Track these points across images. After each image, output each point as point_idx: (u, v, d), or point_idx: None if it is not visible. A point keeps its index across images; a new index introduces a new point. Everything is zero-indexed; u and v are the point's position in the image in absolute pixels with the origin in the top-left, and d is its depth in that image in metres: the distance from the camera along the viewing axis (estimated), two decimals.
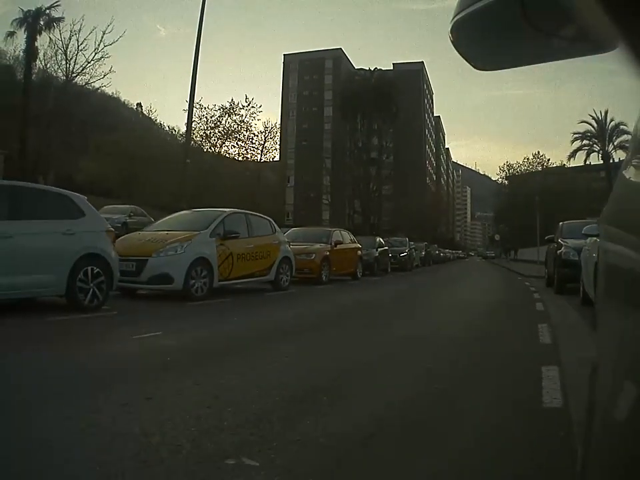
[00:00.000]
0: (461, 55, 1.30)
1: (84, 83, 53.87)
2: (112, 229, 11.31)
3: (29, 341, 7.16)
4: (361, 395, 4.97)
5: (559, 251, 16.47)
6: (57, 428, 3.79)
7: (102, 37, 52.55)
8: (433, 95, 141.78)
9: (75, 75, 53.03)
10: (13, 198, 9.48)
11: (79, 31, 52.25)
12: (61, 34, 52.50)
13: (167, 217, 16.12)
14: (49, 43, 52.86)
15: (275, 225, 16.88)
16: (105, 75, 53.47)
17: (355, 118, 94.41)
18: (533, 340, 8.18)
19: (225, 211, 14.97)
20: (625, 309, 1.09)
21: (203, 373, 5.57)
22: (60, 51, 52.45)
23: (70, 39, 52.20)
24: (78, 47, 52.26)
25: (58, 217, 9.92)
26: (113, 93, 65.97)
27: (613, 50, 0.77)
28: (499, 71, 1.39)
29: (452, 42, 1.27)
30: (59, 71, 53.28)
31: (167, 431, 3.74)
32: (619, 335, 1.13)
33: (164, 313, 10.75)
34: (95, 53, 52.38)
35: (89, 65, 52.76)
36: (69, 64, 52.77)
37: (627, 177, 1.40)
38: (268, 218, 17.01)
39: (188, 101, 27.81)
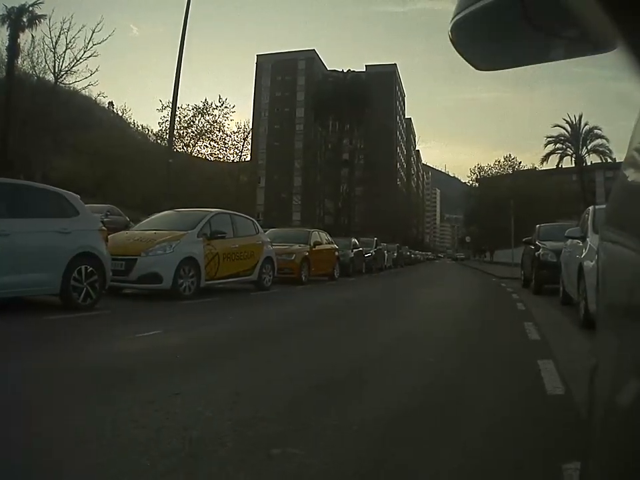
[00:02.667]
0: (461, 54, 1.31)
1: (73, 81, 53.46)
2: (104, 227, 11.32)
3: (37, 339, 7.23)
4: (379, 385, 5.33)
5: (537, 253, 16.95)
6: (95, 425, 3.84)
7: (91, 36, 52.26)
8: (405, 97, 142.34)
9: (62, 73, 52.60)
10: (11, 195, 9.47)
11: (68, 30, 51.62)
12: (50, 30, 51.98)
13: (153, 217, 16.23)
14: (32, 40, 52.38)
15: (259, 226, 17.15)
16: (92, 74, 53.02)
17: (327, 119, 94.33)
18: (522, 337, 8.59)
19: (211, 211, 15.21)
20: (627, 309, 1.10)
21: (218, 369, 5.80)
22: (47, 48, 51.81)
23: (52, 37, 51.74)
24: (66, 44, 51.87)
25: (53, 216, 9.95)
26: (95, 95, 65.39)
27: (613, 50, 0.80)
28: (499, 70, 1.40)
29: (452, 42, 1.27)
30: (44, 69, 52.75)
31: (205, 424, 3.85)
32: (620, 335, 1.15)
33: (157, 312, 10.87)
34: (84, 51, 51.90)
35: (77, 63, 52.37)
36: (56, 62, 52.39)
37: (627, 177, 1.40)
38: (252, 218, 17.36)
39: (171, 100, 27.94)
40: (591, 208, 11.53)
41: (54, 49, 51.99)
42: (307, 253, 20.58)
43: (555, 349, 7.31)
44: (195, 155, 65.34)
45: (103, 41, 52.54)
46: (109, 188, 52.60)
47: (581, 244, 10.62)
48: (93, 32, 52.10)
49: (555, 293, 14.16)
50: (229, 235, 14.89)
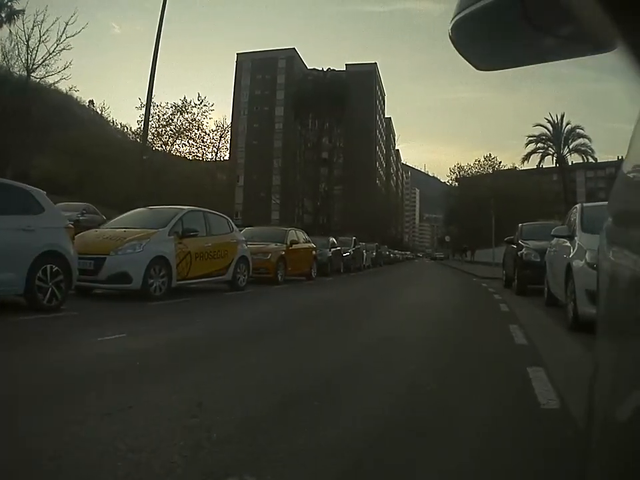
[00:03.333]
0: (461, 54, 1.29)
1: (44, 75, 52.65)
2: (71, 225, 11.02)
3: None
4: (354, 400, 4.83)
5: (519, 252, 16.69)
6: (32, 442, 3.46)
7: (64, 28, 51.39)
8: (385, 97, 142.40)
9: (35, 67, 51.82)
10: None
11: (42, 22, 50.99)
12: (23, 23, 51.19)
13: (124, 214, 15.85)
14: (9, 35, 51.60)
15: (233, 224, 16.78)
16: (65, 67, 52.17)
17: (307, 118, 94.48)
18: (508, 341, 8.16)
19: (184, 209, 14.80)
20: (630, 311, 1.08)
21: (179, 377, 5.35)
22: (21, 42, 51.10)
23: (25, 30, 51.02)
24: (40, 37, 51.09)
25: (17, 212, 9.56)
26: (66, 90, 64.70)
27: (613, 50, 0.79)
28: (499, 70, 1.38)
29: (452, 42, 1.26)
30: (17, 64, 52.02)
31: (157, 445, 3.48)
32: (624, 343, 1.12)
33: (125, 313, 10.46)
34: (57, 44, 50.96)
35: (50, 56, 51.47)
36: (30, 55, 51.61)
37: (628, 175, 1.38)
38: (226, 216, 16.89)
39: (146, 96, 27.57)
40: (578, 205, 11.16)
41: (27, 42, 51.27)
42: (284, 252, 20.28)
43: (544, 355, 6.88)
44: (174, 153, 64.76)
45: (76, 33, 51.76)
46: (89, 186, 52.38)
47: (567, 243, 10.23)
48: (67, 24, 51.13)
49: (538, 293, 13.91)
50: (201, 233, 14.53)
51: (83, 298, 11.91)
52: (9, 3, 52.10)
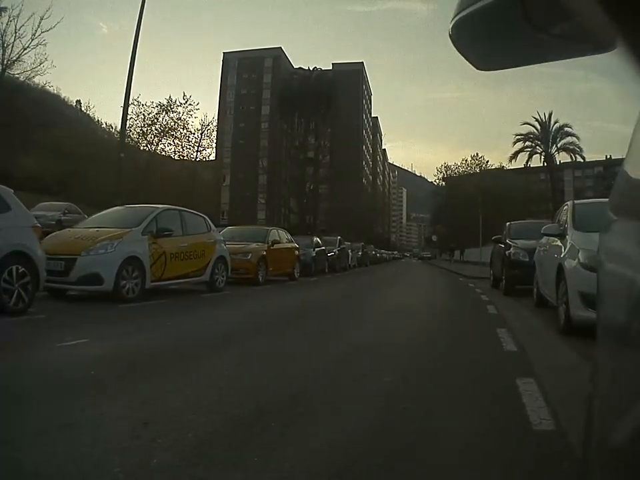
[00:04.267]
0: (461, 54, 1.29)
1: (20, 71, 52.24)
2: (38, 224, 10.59)
3: None
4: (320, 420, 4.30)
5: (507, 252, 16.31)
6: None
7: (39, 23, 50.96)
8: (371, 96, 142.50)
9: (10, 62, 51.29)
10: None
11: (17, 17, 50.54)
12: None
13: (99, 213, 15.43)
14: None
15: (211, 223, 16.32)
16: (41, 63, 51.71)
17: (293, 117, 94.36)
18: (496, 347, 7.60)
19: (158, 208, 14.39)
20: (635, 315, 1.00)
21: (131, 391, 4.92)
22: None
23: (8, 24, 50.57)
24: (15, 32, 50.53)
25: None
26: (53, 89, 64.31)
27: (613, 50, 0.80)
28: (499, 70, 1.39)
29: (452, 42, 1.26)
30: None
31: (87, 471, 3.16)
32: (628, 355, 1.03)
33: (93, 316, 10.05)
34: (32, 39, 50.54)
35: (25, 52, 51.07)
36: (5, 52, 51.11)
37: (629, 173, 1.37)
38: (203, 215, 16.42)
39: (124, 95, 27.09)
40: (569, 203, 10.68)
41: (2, 37, 50.93)
42: (265, 252, 19.88)
43: (535, 364, 6.34)
44: (159, 152, 64.31)
45: (51, 28, 51.67)
46: (75, 186, 52.00)
47: (558, 242, 9.73)
48: (41, 19, 51.03)
49: (526, 293, 13.52)
50: (177, 232, 14.14)
51: (56, 300, 11.70)
52: None
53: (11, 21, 50.25)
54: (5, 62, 51.24)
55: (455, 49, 1.28)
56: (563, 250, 9.07)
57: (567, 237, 9.14)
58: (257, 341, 8.10)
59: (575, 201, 10.85)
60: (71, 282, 11.77)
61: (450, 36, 1.24)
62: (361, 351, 7.37)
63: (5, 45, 50.94)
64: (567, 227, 9.53)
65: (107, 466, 3.17)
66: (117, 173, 27.62)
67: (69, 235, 13.15)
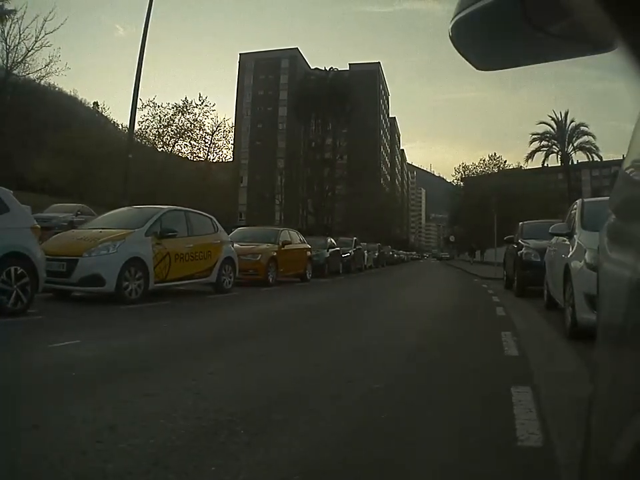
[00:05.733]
0: (461, 54, 1.30)
1: (27, 72, 52.51)
2: (38, 225, 10.47)
3: None
4: (286, 431, 3.99)
5: (519, 252, 16.09)
6: None
7: (43, 25, 51.04)
8: (389, 96, 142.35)
9: (15, 64, 51.55)
10: None
11: (22, 18, 50.86)
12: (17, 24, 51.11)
13: (105, 214, 15.40)
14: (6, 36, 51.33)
15: (218, 224, 16.10)
16: (48, 63, 51.90)
17: (310, 118, 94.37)
18: (497, 351, 7.30)
19: (163, 208, 14.31)
20: (633, 316, 1.02)
21: (108, 393, 4.82)
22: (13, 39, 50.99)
23: (12, 27, 50.88)
24: (20, 34, 50.76)
25: None
26: (70, 92, 64.69)
27: (613, 50, 0.79)
28: (499, 70, 1.38)
29: (452, 42, 1.27)
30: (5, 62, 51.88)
31: (39, 474, 3.13)
32: (626, 357, 1.02)
33: (92, 318, 9.97)
34: (36, 41, 50.72)
35: (30, 54, 51.27)
36: (9, 54, 51.43)
37: (629, 173, 1.41)
38: (210, 216, 16.23)
39: (132, 95, 27.06)
40: (578, 201, 10.31)
41: (6, 40, 51.14)
42: (275, 253, 19.71)
43: (535, 370, 6.03)
44: (176, 154, 64.43)
45: (55, 30, 51.48)
46: (89, 187, 52.46)
47: (567, 242, 9.41)
48: (45, 21, 50.83)
49: (538, 295, 13.20)
50: (182, 233, 13.98)
51: (59, 301, 11.69)
52: (1, 4, 51.87)
53: (15, 23, 50.77)
54: (10, 64, 51.56)
55: (454, 49, 1.28)
56: (570, 250, 8.76)
57: (575, 236, 8.83)
58: (248, 344, 7.85)
59: (585, 199, 10.52)
60: (72, 283, 11.68)
61: (450, 36, 1.25)
62: (353, 356, 7.08)
63: (10, 47, 51.35)
64: (575, 226, 9.24)
65: (61, 469, 3.14)
66: (124, 174, 27.59)
67: (72, 236, 13.08)
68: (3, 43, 50.96)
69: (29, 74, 52.59)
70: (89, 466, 3.21)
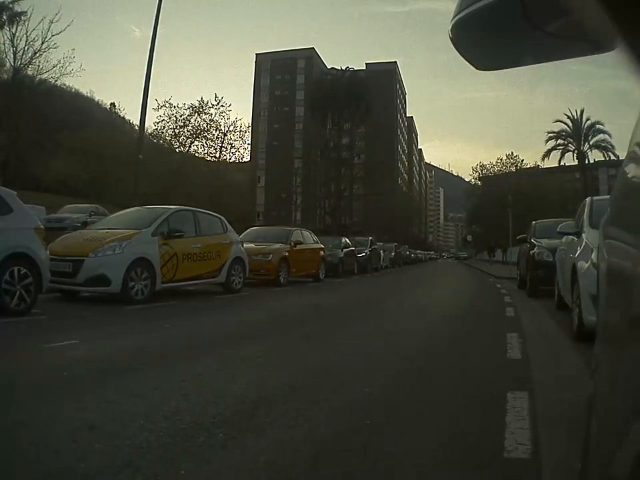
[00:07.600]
0: (461, 54, 1.30)
1: (39, 74, 53.12)
2: (42, 226, 10.48)
3: None
4: (266, 434, 3.89)
5: (531, 252, 15.82)
6: None
7: (49, 27, 51.74)
8: (406, 95, 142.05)
9: (23, 66, 52.06)
10: None
11: (29, 21, 51.57)
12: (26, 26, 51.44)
13: (114, 215, 15.55)
14: (11, 38, 51.69)
15: (227, 224, 16.06)
16: (55, 65, 52.60)
17: (326, 117, 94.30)
18: (499, 354, 7.07)
19: (171, 208, 14.28)
20: (633, 319, 1.03)
21: (95, 393, 4.82)
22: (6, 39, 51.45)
23: (9, 29, 51.36)
24: (26, 35, 51.35)
25: None
26: (87, 93, 65.12)
27: (613, 50, 0.79)
28: (499, 70, 1.39)
29: (452, 42, 1.27)
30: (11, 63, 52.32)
31: (11, 472, 3.19)
32: (626, 355, 1.03)
33: (95, 318, 9.95)
34: (42, 43, 51.51)
35: (36, 55, 51.96)
36: (16, 55, 51.96)
37: (629, 173, 1.44)
38: (219, 216, 16.20)
39: (142, 95, 27.10)
40: (587, 199, 10.07)
41: (12, 41, 51.78)
42: (286, 253, 19.59)
43: (535, 375, 5.80)
44: (192, 154, 64.56)
45: (62, 31, 52.06)
46: (105, 188, 52.73)
47: (576, 241, 9.20)
48: (51, 22, 51.68)
49: (552, 295, 12.88)
50: (190, 233, 13.95)
51: (65, 301, 11.81)
52: (10, 5, 52.31)
53: (22, 25, 51.35)
54: (18, 65, 52.04)
55: (454, 49, 1.28)
56: (578, 249, 8.55)
57: (583, 235, 8.63)
58: (247, 345, 7.69)
59: (594, 197, 10.29)
60: (78, 283, 11.72)
61: (450, 36, 1.25)
62: (352, 358, 6.95)
63: (17, 49, 51.95)
64: (583, 224, 9.04)
65: (33, 467, 3.20)
66: (134, 174, 27.67)
67: (78, 237, 13.13)
68: (10, 44, 51.52)
69: (41, 74, 53.18)
70: (61, 465, 3.19)
